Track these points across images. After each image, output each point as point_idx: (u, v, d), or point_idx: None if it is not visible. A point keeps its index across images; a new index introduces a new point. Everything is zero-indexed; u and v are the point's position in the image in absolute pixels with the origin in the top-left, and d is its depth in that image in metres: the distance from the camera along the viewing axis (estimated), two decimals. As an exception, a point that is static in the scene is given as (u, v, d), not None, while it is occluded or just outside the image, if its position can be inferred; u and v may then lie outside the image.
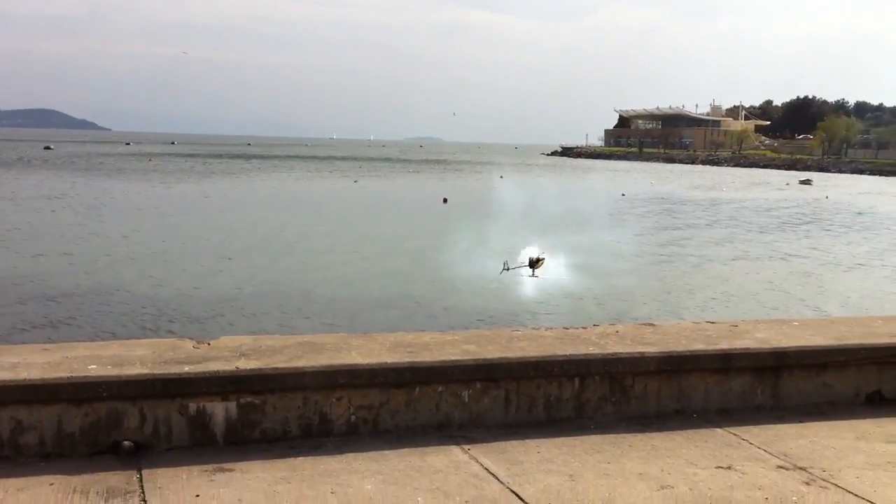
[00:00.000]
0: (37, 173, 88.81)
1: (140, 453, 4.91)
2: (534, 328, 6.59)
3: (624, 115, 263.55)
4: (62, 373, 4.90)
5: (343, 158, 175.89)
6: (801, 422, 5.96)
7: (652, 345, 6.07)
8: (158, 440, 5.01)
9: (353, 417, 5.37)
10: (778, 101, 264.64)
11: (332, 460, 4.97)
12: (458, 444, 5.30)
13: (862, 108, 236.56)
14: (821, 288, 31.07)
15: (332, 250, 36.48)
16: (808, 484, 4.89)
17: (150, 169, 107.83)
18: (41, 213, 48.33)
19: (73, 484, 4.51)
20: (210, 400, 5.08)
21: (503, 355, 5.68)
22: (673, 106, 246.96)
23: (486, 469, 4.94)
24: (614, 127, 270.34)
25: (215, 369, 5.09)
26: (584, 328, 6.61)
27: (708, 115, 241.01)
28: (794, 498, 4.68)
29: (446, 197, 65.64)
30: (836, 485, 4.89)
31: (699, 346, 6.15)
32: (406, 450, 5.15)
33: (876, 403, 6.42)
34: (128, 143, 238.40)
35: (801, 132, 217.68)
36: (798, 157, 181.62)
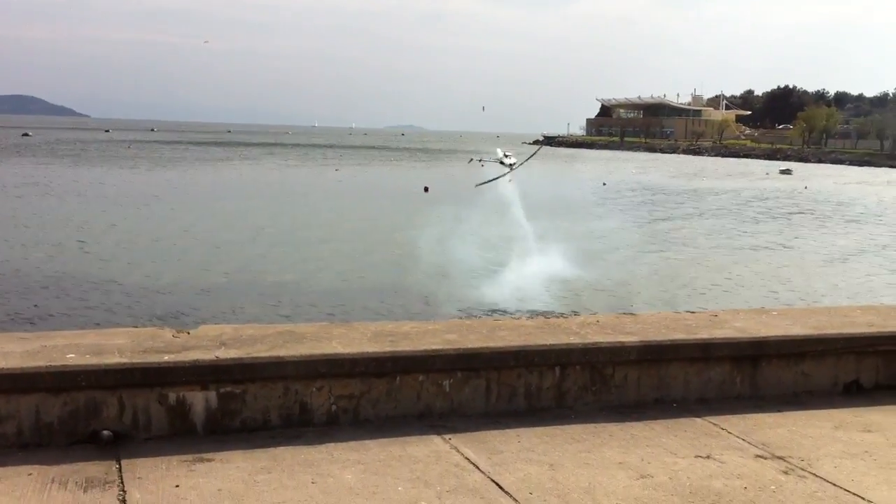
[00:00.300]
0: (14, 160, 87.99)
1: (119, 443, 4.89)
2: (515, 317, 6.61)
3: (606, 104, 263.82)
4: (40, 361, 4.86)
5: (324, 147, 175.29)
6: (779, 411, 6.00)
7: (632, 334, 6.10)
8: (138, 430, 4.98)
9: (333, 407, 5.36)
10: (759, 91, 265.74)
11: (312, 450, 4.96)
12: (438, 433, 5.31)
13: (842, 99, 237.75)
14: (800, 278, 31.24)
15: (313, 239, 36.37)
16: (786, 473, 4.92)
17: (130, 156, 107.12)
18: (19, 202, 47.93)
19: (51, 474, 4.49)
20: (190, 389, 5.06)
21: (484, 344, 5.69)
22: (655, 95, 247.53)
23: (466, 458, 4.95)
24: (596, 116, 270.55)
25: (195, 358, 5.07)
26: (564, 317, 6.63)
27: (689, 104, 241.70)
28: (773, 487, 4.72)
29: (427, 186, 65.55)
30: (814, 474, 4.93)
31: (679, 335, 6.18)
32: (387, 439, 5.16)
33: (854, 393, 6.47)
34: (107, 130, 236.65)
35: (782, 122, 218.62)
36: (778, 146, 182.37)
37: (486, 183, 28.54)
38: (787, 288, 28.81)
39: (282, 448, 4.97)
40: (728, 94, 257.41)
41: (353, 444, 5.07)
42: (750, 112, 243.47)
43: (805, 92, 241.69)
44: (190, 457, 4.79)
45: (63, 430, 4.87)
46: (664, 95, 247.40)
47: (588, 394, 5.89)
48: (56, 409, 4.85)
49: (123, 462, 4.68)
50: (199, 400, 5.09)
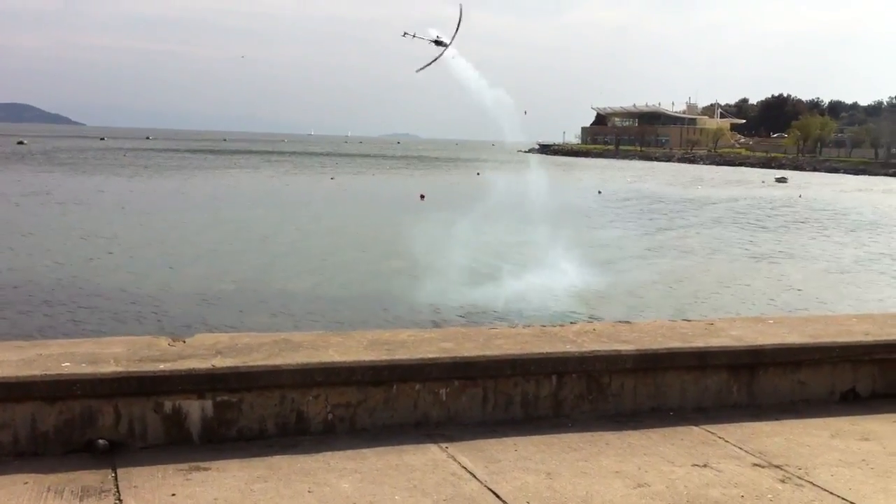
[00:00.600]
0: (11, 169, 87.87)
1: (115, 452, 4.87)
2: (511, 326, 6.60)
3: (601, 112, 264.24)
4: (35, 370, 4.85)
5: (320, 155, 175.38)
6: (776, 419, 5.99)
7: (629, 343, 6.09)
8: (133, 439, 4.97)
9: (330, 416, 5.35)
10: (754, 100, 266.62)
11: (309, 459, 4.95)
12: (435, 442, 5.29)
13: (837, 108, 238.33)
14: (797, 286, 31.27)
15: (309, 248, 36.36)
16: (783, 482, 4.92)
17: (125, 164, 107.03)
18: (15, 210, 47.86)
19: (47, 483, 4.47)
20: (186, 398, 5.04)
21: (481, 353, 5.68)
22: (650, 104, 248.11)
23: (463, 467, 4.93)
24: (591, 124, 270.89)
25: (191, 367, 5.05)
26: (561, 326, 6.62)
27: (684, 113, 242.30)
28: (770, 496, 4.71)
29: (423, 193, 65.57)
30: (811, 482, 4.92)
31: (675, 343, 6.17)
32: (383, 448, 5.14)
33: (850, 401, 6.47)
34: (102, 139, 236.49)
35: (776, 131, 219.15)
36: (773, 155, 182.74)
37: (425, 67, 30.23)
38: (783, 296, 28.84)
39: (278, 457, 4.95)
40: (723, 103, 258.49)
41: (349, 452, 5.06)
42: (745, 120, 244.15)
43: (800, 101, 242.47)
44: (186, 466, 4.76)
45: (59, 439, 4.85)
46: (659, 104, 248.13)
47: (585, 402, 5.88)
48: (52, 417, 4.83)
49: (119, 471, 4.66)
50: (195, 409, 5.07)
